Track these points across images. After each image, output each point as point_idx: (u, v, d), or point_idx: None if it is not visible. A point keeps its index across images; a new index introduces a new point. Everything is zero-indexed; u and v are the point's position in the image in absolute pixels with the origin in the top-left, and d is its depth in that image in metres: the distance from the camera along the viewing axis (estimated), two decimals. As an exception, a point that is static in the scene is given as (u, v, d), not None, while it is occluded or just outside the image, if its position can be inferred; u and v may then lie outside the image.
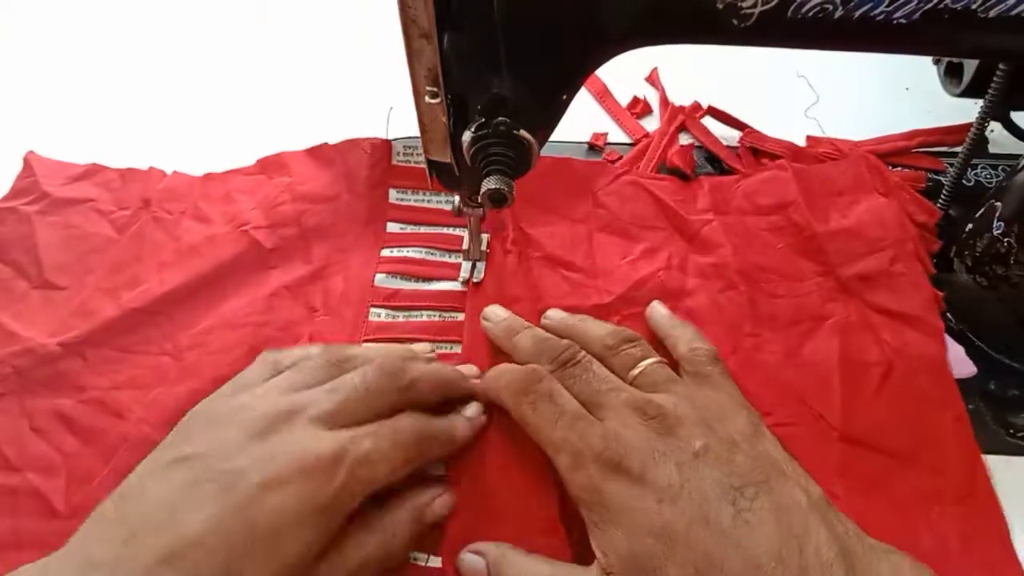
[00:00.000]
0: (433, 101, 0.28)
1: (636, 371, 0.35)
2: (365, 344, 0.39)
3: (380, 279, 0.45)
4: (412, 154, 0.50)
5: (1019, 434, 0.40)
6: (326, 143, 0.51)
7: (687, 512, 0.28)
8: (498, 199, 0.30)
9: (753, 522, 0.28)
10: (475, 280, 0.43)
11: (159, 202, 0.49)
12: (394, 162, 0.50)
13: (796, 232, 0.47)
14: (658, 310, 0.42)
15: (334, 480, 0.29)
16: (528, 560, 0.32)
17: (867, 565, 0.27)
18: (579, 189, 0.49)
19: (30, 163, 0.51)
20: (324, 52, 0.61)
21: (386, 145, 0.50)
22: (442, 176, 0.35)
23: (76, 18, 0.65)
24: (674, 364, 0.37)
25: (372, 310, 0.44)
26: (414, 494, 0.34)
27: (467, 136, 0.30)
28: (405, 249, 0.47)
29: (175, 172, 0.51)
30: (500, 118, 0.29)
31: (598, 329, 0.38)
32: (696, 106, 0.56)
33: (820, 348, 0.42)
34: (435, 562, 0.34)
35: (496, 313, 0.40)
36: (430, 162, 0.34)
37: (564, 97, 0.31)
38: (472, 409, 0.37)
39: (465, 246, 0.44)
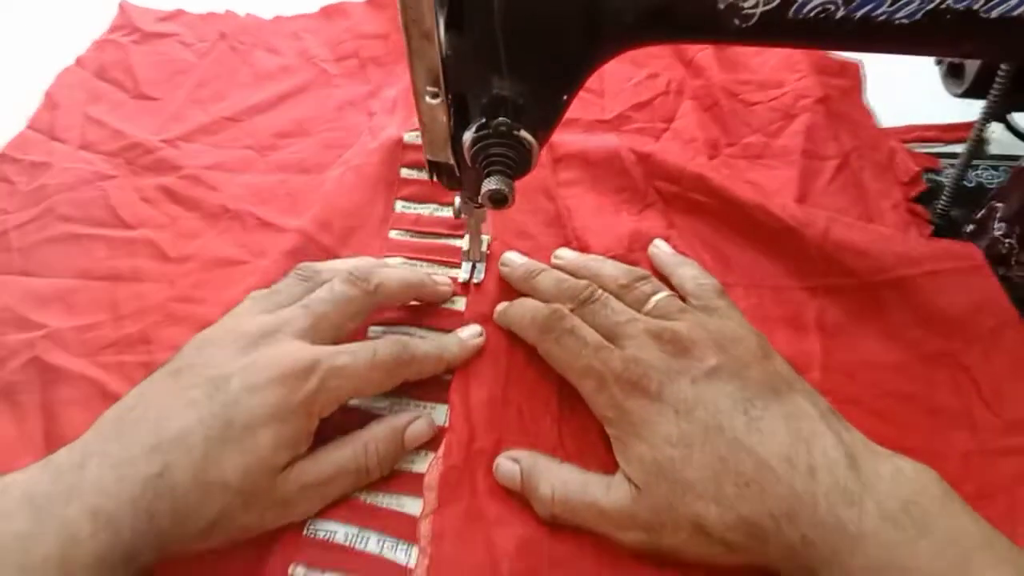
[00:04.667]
0: (434, 101, 0.28)
1: (650, 305, 0.36)
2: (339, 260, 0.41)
3: None
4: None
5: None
6: None
7: (702, 421, 0.30)
8: (499, 199, 0.29)
9: (764, 429, 0.29)
10: (475, 281, 0.42)
11: (234, 35, 0.57)
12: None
13: (775, 53, 0.54)
14: (661, 248, 0.42)
15: (306, 385, 0.31)
16: (559, 467, 0.33)
17: (871, 464, 0.28)
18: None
19: (124, 8, 0.59)
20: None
21: None
22: (443, 176, 0.34)
23: None
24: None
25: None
26: (392, 416, 0.35)
27: (468, 136, 0.29)
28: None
29: (248, 14, 0.59)
30: (501, 118, 0.28)
31: (611, 269, 0.39)
32: None
33: (786, 145, 0.48)
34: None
35: (513, 259, 0.41)
36: (431, 163, 0.33)
37: (565, 97, 0.30)
38: (468, 331, 0.39)
39: (465, 247, 0.43)
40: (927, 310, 0.39)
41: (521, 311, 0.38)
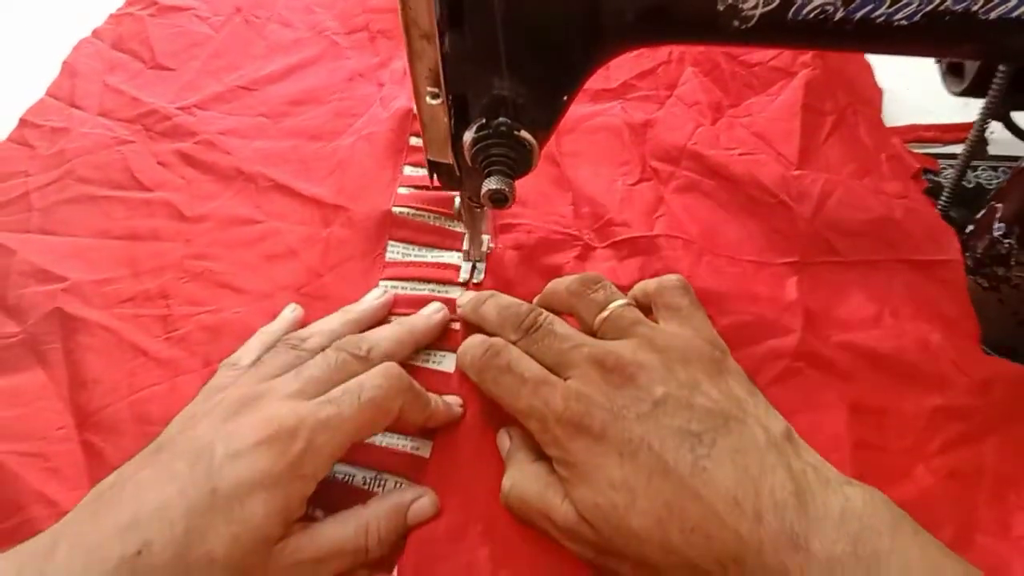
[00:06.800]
0: (434, 102, 0.28)
1: (603, 315, 0.34)
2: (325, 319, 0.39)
3: None
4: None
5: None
6: None
7: (647, 465, 0.28)
8: (499, 199, 0.29)
9: (711, 468, 0.28)
10: (475, 281, 0.42)
11: (248, 9, 0.58)
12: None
13: None
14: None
15: (293, 447, 0.29)
16: (530, 465, 0.32)
17: (820, 500, 0.27)
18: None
19: (140, -19, 0.59)
20: None
21: None
22: (443, 176, 0.34)
23: None
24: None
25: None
26: (395, 493, 0.33)
27: (468, 136, 0.29)
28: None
29: None
30: (501, 118, 0.28)
31: (564, 280, 0.37)
32: None
33: (787, 99, 0.49)
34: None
35: (462, 297, 0.40)
36: (431, 162, 0.32)
37: (565, 97, 0.29)
38: (452, 398, 0.37)
39: (465, 247, 0.42)
40: (900, 292, 0.40)
41: (462, 351, 0.35)
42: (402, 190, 0.46)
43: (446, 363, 0.39)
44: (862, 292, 0.40)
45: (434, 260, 0.43)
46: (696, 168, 0.46)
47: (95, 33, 0.58)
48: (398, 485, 0.35)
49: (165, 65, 0.55)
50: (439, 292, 0.42)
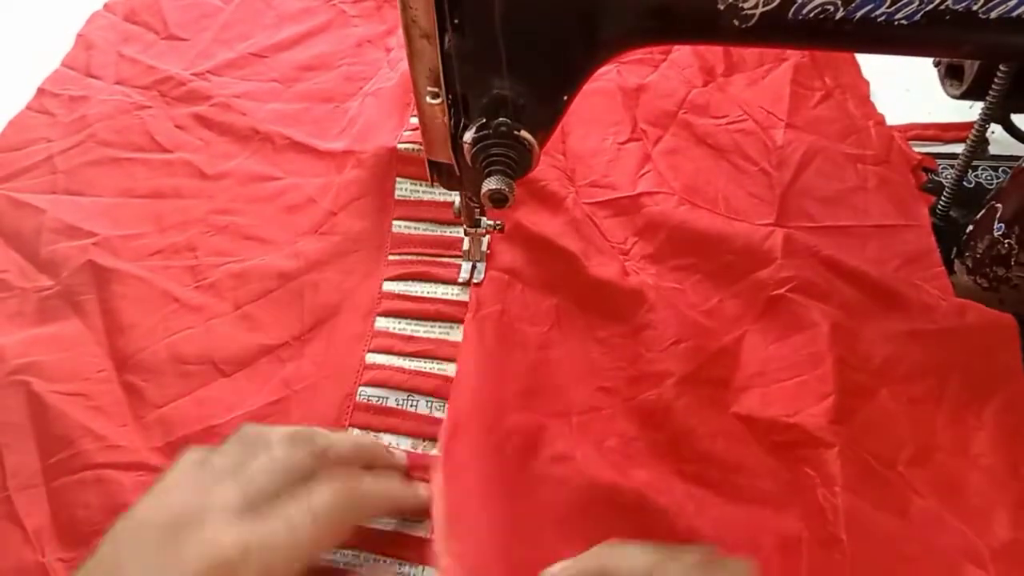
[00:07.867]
0: (434, 102, 0.27)
1: None
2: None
3: None
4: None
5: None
6: None
7: None
8: (499, 199, 0.28)
9: None
10: (475, 281, 0.42)
11: None
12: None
13: None
14: None
15: None
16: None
17: None
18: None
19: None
20: None
21: None
22: (443, 176, 0.33)
23: None
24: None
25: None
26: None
27: (468, 136, 0.28)
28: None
29: None
30: (501, 118, 0.28)
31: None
32: None
33: (778, 76, 0.51)
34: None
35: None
36: (431, 162, 0.32)
37: (565, 97, 0.29)
38: (423, 488, 0.34)
39: (465, 247, 0.42)
40: (871, 256, 0.42)
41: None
42: (406, 133, 0.47)
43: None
44: (836, 253, 0.42)
45: (442, 199, 0.44)
46: (683, 135, 0.47)
47: (106, 7, 0.59)
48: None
49: (178, 36, 0.56)
50: (442, 294, 0.43)
